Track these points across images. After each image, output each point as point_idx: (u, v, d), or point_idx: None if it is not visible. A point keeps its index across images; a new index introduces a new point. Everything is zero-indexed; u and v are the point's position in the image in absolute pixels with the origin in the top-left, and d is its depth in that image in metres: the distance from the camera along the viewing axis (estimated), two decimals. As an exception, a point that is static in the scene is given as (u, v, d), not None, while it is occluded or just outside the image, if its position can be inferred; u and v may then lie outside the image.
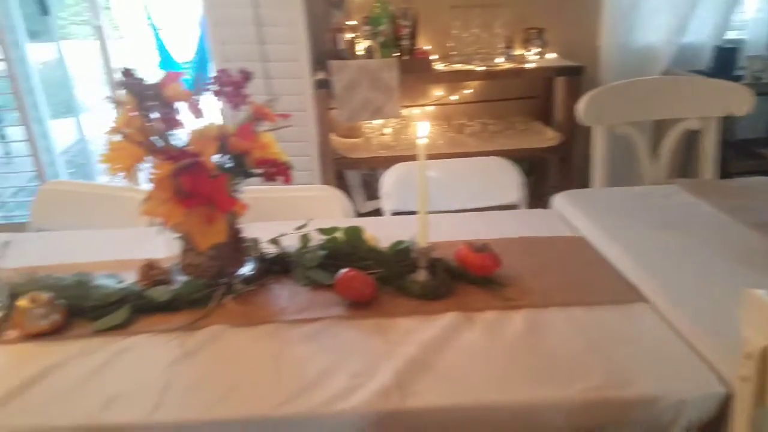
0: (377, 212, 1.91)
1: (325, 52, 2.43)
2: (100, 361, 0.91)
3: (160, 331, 0.98)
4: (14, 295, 1.00)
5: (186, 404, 0.83)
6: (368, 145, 2.58)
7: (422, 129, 0.99)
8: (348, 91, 2.25)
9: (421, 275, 1.09)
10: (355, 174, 2.75)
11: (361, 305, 1.05)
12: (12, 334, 0.96)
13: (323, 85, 2.28)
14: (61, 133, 3.08)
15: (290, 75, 2.42)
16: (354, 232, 1.16)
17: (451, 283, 1.10)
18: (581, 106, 1.78)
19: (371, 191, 2.76)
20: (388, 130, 2.66)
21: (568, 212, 1.42)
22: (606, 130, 1.80)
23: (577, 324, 0.99)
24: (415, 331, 0.98)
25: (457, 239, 1.17)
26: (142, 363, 0.91)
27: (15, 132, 2.58)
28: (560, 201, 1.47)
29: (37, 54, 2.86)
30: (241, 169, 1.04)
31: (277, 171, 0.98)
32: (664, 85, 1.94)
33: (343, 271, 1.05)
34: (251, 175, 1.06)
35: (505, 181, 1.67)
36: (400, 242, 1.15)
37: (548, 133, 2.70)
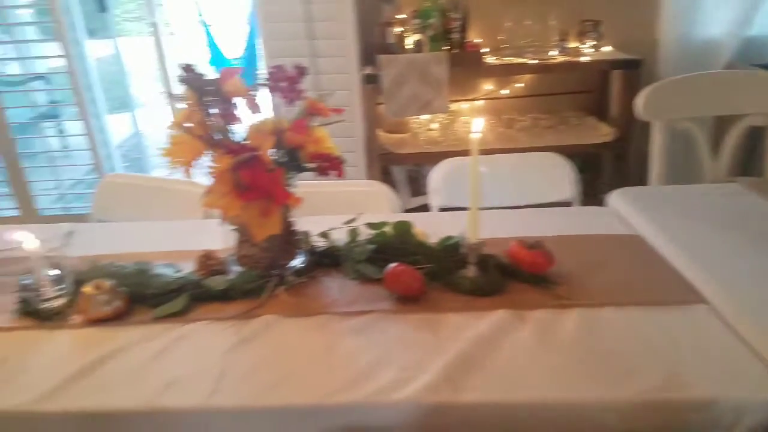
0: (422, 209, 1.90)
1: (374, 47, 2.43)
2: (159, 347, 0.94)
3: (217, 319, 1.01)
4: (79, 282, 1.05)
5: (241, 390, 0.85)
6: (415, 140, 2.57)
7: (477, 124, 0.99)
8: (396, 86, 2.25)
9: (471, 271, 1.08)
10: (400, 170, 2.75)
11: (409, 300, 1.05)
12: (77, 319, 1.01)
13: (371, 80, 2.29)
14: (116, 128, 3.20)
15: (338, 70, 2.45)
16: (403, 227, 1.16)
17: (502, 280, 1.09)
18: (641, 101, 1.73)
19: (417, 187, 2.76)
20: (435, 126, 2.65)
21: (625, 210, 1.38)
22: (665, 125, 1.74)
23: (634, 324, 0.96)
24: (465, 328, 0.98)
25: (508, 236, 1.16)
26: (200, 349, 0.95)
27: (74, 126, 2.68)
28: (616, 199, 1.43)
29: (95, 50, 2.96)
30: (295, 163, 1.06)
31: (330, 165, 0.99)
32: (727, 80, 1.86)
33: (392, 265, 1.06)
34: (305, 169, 1.08)
35: (558, 177, 1.64)
36: (449, 238, 1.15)
37: (603, 128, 2.63)
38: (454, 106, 2.65)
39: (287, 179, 1.07)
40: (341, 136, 2.42)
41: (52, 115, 3.29)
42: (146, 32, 2.93)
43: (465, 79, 2.66)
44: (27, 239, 1.01)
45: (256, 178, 0.93)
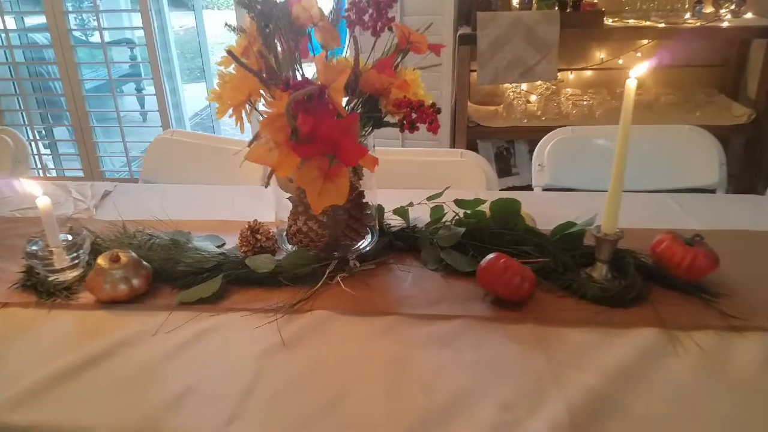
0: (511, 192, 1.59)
1: (474, 4, 2.11)
2: (178, 343, 0.72)
3: (255, 311, 0.78)
4: (97, 252, 0.85)
5: (273, 413, 0.61)
6: (509, 113, 2.24)
7: (638, 69, 0.69)
8: (495, 48, 1.93)
9: (601, 271, 0.78)
10: (489, 146, 2.43)
11: (512, 304, 0.77)
12: (87, 297, 0.81)
13: (466, 41, 1.98)
14: (193, 97, 3.09)
15: (430, 31, 2.15)
16: (507, 207, 0.88)
17: (645, 287, 0.78)
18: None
19: (506, 166, 2.43)
20: (534, 98, 2.31)
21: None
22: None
23: None
24: (593, 350, 0.69)
25: (640, 227, 0.85)
26: (228, 350, 0.71)
27: (149, 93, 2.58)
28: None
29: (178, 21, 2.87)
30: (373, 114, 0.79)
31: (420, 116, 0.72)
32: None
33: (490, 256, 0.78)
34: (386, 123, 0.81)
35: (703, 157, 1.28)
36: (569, 224, 0.85)
37: (736, 108, 2.21)
38: (559, 76, 2.29)
39: (362, 135, 0.81)
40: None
41: (123, 84, 3.24)
42: (226, 5, 2.77)
43: (576, 43, 2.29)
44: (34, 192, 0.82)
45: (319, 125, 0.67)
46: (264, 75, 0.71)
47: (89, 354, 0.70)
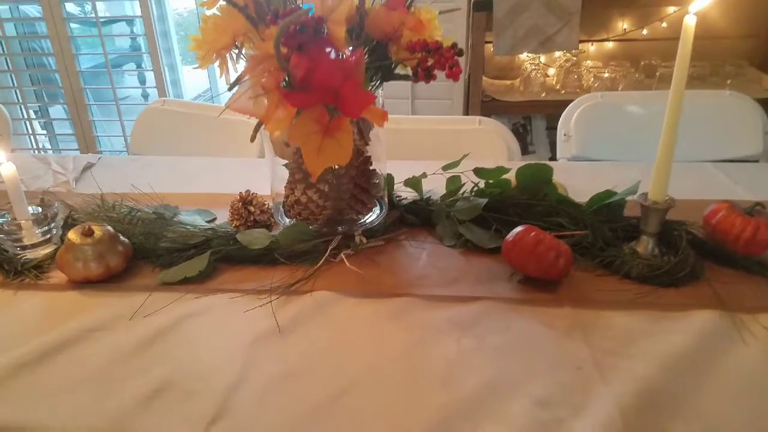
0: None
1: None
2: (157, 328, 0.62)
3: (246, 292, 0.68)
4: (71, 227, 0.75)
5: (265, 411, 0.51)
6: (527, 86, 2.12)
7: (697, 5, 0.58)
8: (512, 16, 1.81)
9: (647, 245, 0.68)
10: (504, 122, 2.31)
11: (544, 284, 0.67)
12: (59, 276, 0.71)
13: (482, 7, 1.85)
14: (192, 80, 2.98)
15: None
16: (537, 174, 0.76)
17: (698, 262, 0.67)
18: None
19: (522, 144, 2.31)
20: (552, 72, 2.18)
21: None
22: None
23: None
24: (642, 337, 0.59)
25: (689, 197, 0.74)
26: (213, 337, 0.61)
27: (149, 77, 2.47)
28: None
29: (180, 4, 2.76)
30: (382, 63, 0.68)
31: (437, 62, 0.60)
32: None
33: (519, 229, 0.67)
34: (397, 76, 0.70)
35: (744, 125, 1.16)
36: (608, 193, 0.74)
37: (767, 80, 2.06)
38: (580, 47, 2.15)
39: (369, 87, 0.70)
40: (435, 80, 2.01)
41: (123, 63, 3.13)
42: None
43: (598, 12, 2.15)
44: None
45: (316, 69, 0.56)
46: (251, 12, 0.60)
47: (54, 341, 0.60)
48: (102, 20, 2.34)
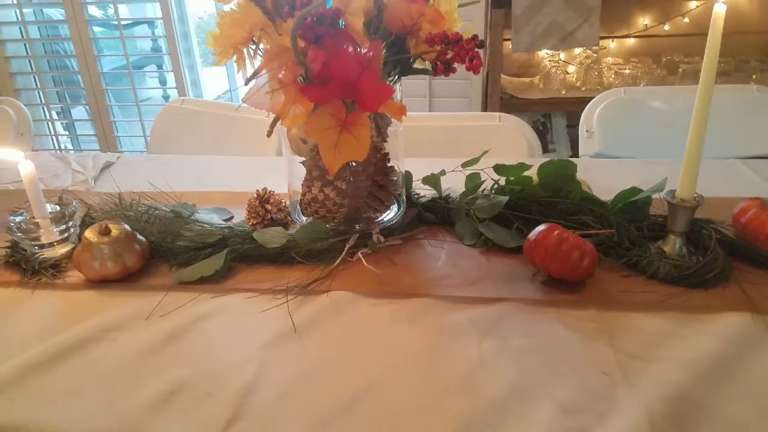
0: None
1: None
2: (172, 328, 0.62)
3: (263, 292, 0.67)
4: (89, 225, 0.75)
5: (281, 414, 0.50)
6: (546, 84, 2.09)
7: None
8: (531, 12, 1.78)
9: (675, 245, 0.65)
10: (523, 120, 2.28)
11: (567, 285, 0.65)
12: (76, 276, 0.71)
13: (500, 4, 1.83)
14: (213, 83, 3.00)
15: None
16: (560, 170, 0.74)
17: (727, 263, 0.65)
18: None
19: (542, 141, 2.28)
20: (572, 69, 2.15)
21: None
22: None
23: None
24: (670, 340, 0.57)
25: (716, 195, 0.72)
26: (229, 338, 0.61)
27: (170, 78, 2.49)
28: None
29: (200, 8, 2.79)
30: (400, 57, 0.67)
31: (458, 53, 0.59)
32: None
33: (541, 228, 0.65)
34: (415, 70, 0.68)
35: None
36: (634, 190, 0.72)
37: (796, 77, 2.01)
38: (600, 44, 2.12)
39: (387, 81, 0.69)
40: (452, 78, 1.99)
41: (144, 65, 3.15)
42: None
43: (618, 8, 2.11)
44: (17, 159, 0.72)
45: (334, 62, 0.55)
46: (268, 4, 0.59)
47: (69, 341, 0.60)
48: (123, 23, 2.36)
